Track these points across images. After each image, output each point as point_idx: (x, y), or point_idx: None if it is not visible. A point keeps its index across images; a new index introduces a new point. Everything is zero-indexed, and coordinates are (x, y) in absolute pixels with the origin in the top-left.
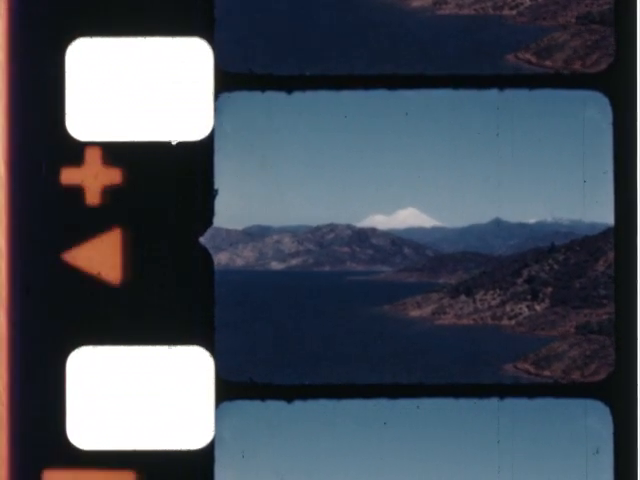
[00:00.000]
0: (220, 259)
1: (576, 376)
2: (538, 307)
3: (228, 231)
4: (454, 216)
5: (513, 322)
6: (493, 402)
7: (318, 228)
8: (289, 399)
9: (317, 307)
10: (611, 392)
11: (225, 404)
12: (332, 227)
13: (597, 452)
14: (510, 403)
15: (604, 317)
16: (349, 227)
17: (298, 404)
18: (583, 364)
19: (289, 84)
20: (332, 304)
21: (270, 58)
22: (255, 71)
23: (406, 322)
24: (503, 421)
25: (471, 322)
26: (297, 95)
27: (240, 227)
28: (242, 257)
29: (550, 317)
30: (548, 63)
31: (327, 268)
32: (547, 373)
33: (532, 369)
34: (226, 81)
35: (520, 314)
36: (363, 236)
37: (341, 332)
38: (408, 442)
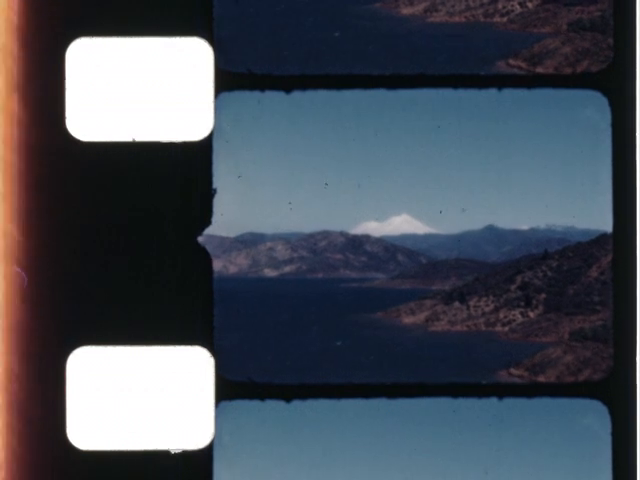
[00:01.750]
0: (214, 266)
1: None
2: (532, 313)
3: (222, 238)
4: (448, 223)
5: (507, 328)
6: (492, 402)
7: (311, 235)
8: (288, 399)
9: (311, 314)
10: (610, 392)
11: (225, 404)
12: (325, 234)
13: (596, 449)
14: (509, 403)
15: (598, 323)
16: (342, 234)
17: (297, 404)
18: (577, 370)
19: (289, 84)
20: (326, 311)
21: (270, 58)
22: (255, 71)
23: (400, 329)
24: (502, 421)
25: (465, 329)
26: (297, 95)
27: (233, 234)
28: (235, 264)
29: (544, 323)
30: (539, 70)
31: (320, 275)
32: (541, 379)
33: (526, 375)
34: (226, 81)
35: (514, 320)
36: (357, 243)
37: (336, 340)
38: (408, 442)
